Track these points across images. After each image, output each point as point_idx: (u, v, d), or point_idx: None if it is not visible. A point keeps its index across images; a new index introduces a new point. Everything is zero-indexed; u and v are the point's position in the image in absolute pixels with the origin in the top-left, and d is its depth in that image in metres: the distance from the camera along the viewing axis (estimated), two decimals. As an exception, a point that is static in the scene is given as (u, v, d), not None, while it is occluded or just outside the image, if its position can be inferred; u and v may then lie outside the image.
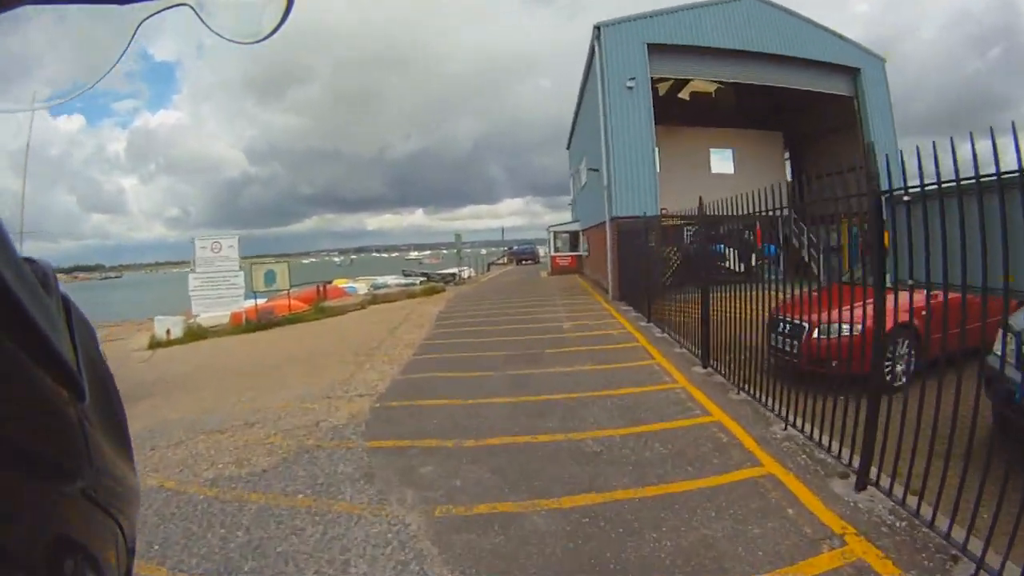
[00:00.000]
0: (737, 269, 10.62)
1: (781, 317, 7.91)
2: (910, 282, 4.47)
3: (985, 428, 4.65)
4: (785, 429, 6.38)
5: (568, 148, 40.22)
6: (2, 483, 0.37)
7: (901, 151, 4.47)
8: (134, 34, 0.63)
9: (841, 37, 22.27)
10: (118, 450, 0.55)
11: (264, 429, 7.85)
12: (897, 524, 4.40)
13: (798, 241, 20.65)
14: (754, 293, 7.55)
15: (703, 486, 5.29)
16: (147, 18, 0.63)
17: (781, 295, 6.93)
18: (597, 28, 19.98)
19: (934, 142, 3.79)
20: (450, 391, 8.85)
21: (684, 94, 28.75)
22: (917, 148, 4.15)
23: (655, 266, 13.22)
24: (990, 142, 3.46)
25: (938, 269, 4.04)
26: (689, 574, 3.97)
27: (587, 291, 23.07)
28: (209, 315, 20.32)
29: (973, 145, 3.59)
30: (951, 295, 3.96)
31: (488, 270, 48.30)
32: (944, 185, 3.88)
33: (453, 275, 35.62)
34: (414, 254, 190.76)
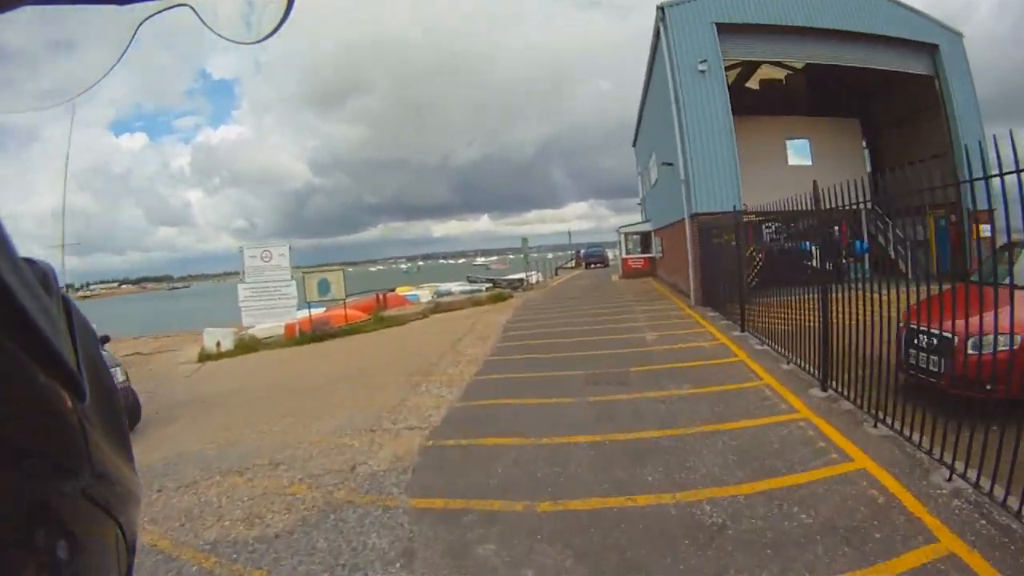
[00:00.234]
0: (824, 268, 9.47)
1: (919, 327, 6.36)
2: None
3: None
4: (949, 480, 4.85)
5: (634, 146, 38.21)
6: (2, 483, 0.37)
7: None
8: (134, 34, 0.64)
9: (914, 11, 19.84)
10: (118, 450, 0.55)
11: (289, 473, 6.48)
12: None
13: (883, 237, 18.66)
14: (852, 294, 6.80)
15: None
16: (147, 18, 0.63)
17: (885, 296, 6.07)
18: (661, 9, 18.19)
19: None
20: (519, 424, 7.20)
21: (752, 83, 26.65)
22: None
23: (743, 267, 11.83)
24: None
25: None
26: None
27: (665, 295, 21.21)
28: (263, 326, 19.62)
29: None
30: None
31: (556, 274, 46.71)
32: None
33: (521, 280, 34.12)
34: (481, 260, 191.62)
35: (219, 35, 0.64)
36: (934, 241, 15.47)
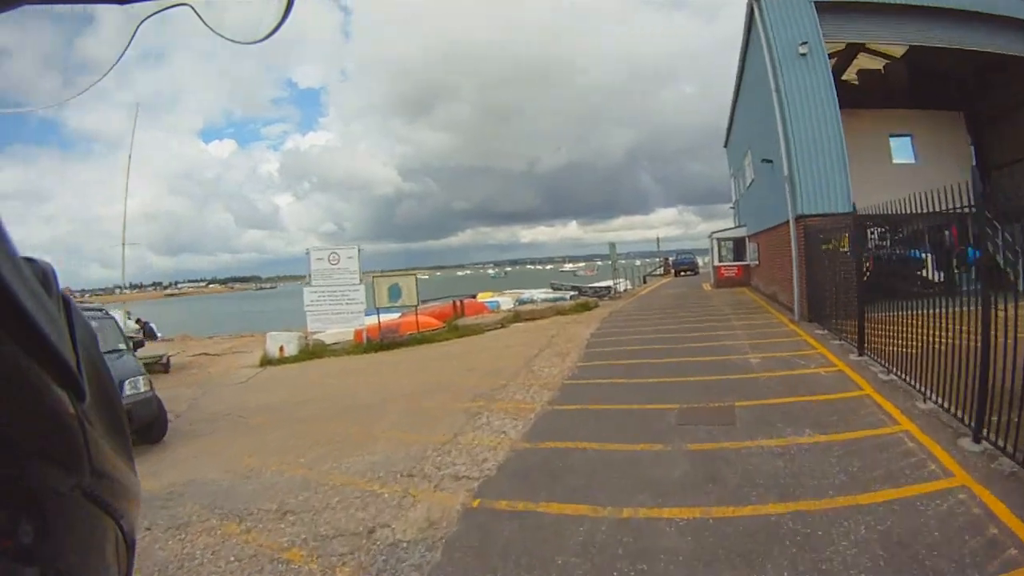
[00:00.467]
0: (935, 279, 9.15)
1: None
2: None
3: None
4: None
5: (725, 147, 35.48)
6: (2, 482, 0.38)
7: None
8: (134, 33, 0.64)
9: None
10: (118, 450, 0.55)
11: (294, 528, 5.18)
12: None
13: (991, 244, 15.96)
14: (965, 310, 5.93)
15: None
16: (147, 18, 0.64)
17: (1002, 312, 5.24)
18: (754, -13, 16.23)
19: None
20: (594, 484, 5.48)
21: (849, 75, 24.01)
22: None
23: (860, 277, 10.31)
24: None
25: None
26: None
27: (763, 308, 18.89)
28: (332, 331, 18.73)
29: None
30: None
31: (644, 282, 44.03)
32: None
33: (607, 288, 31.60)
34: (568, 266, 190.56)
35: (219, 35, 0.64)
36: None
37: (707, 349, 11.68)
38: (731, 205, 35.54)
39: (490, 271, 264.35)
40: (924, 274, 9.39)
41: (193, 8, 0.63)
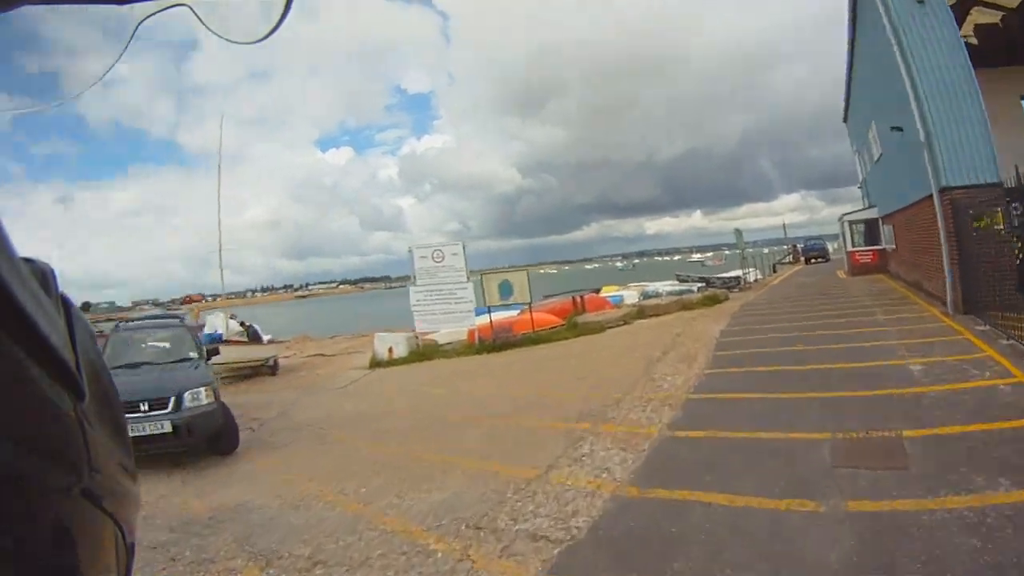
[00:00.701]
0: None
1: None
2: None
3: None
4: None
5: (845, 121, 31.49)
6: (2, 483, 0.37)
7: None
8: (133, 34, 0.64)
9: None
10: (118, 450, 0.55)
11: None
12: None
13: None
14: None
15: None
16: (146, 18, 0.64)
17: None
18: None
19: None
20: (719, 569, 3.73)
21: (966, 32, 20.35)
22: None
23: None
24: None
25: None
26: None
27: (908, 299, 16.13)
28: (445, 331, 17.69)
29: None
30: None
31: (774, 271, 40.69)
32: None
33: (736, 279, 28.97)
34: (696, 256, 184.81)
35: (217, 35, 0.64)
36: None
37: (855, 352, 9.49)
38: (859, 185, 31.66)
39: (618, 264, 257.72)
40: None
41: (192, 8, 0.63)
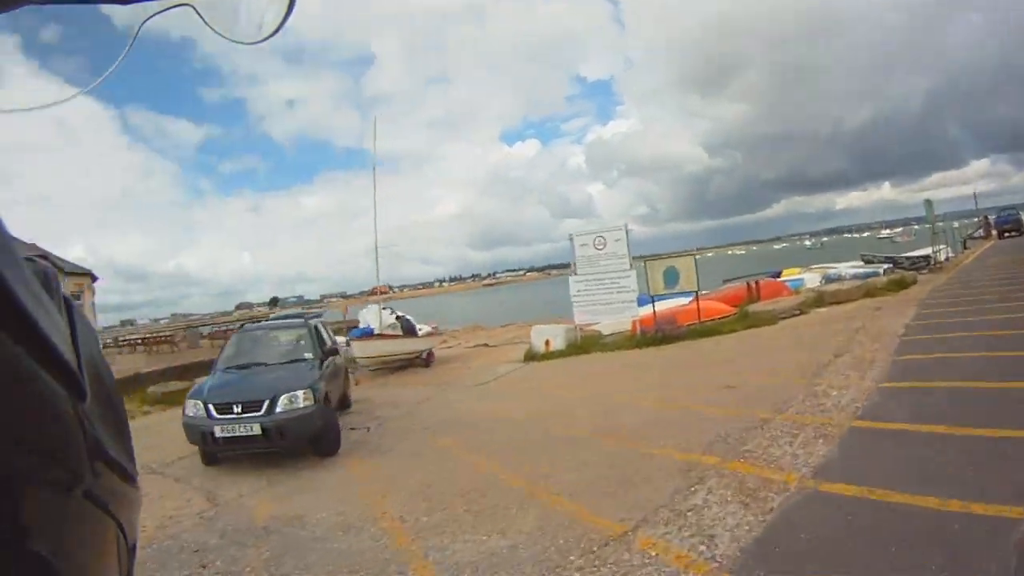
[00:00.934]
0: None
1: None
2: None
3: None
4: None
5: None
6: (3, 484, 0.37)
7: None
8: (136, 33, 0.63)
9: None
10: (119, 451, 0.54)
11: None
12: None
13: None
14: None
15: None
16: (149, 18, 0.63)
17: None
18: None
19: None
20: None
21: None
22: None
23: None
24: None
25: None
26: None
27: None
28: (608, 321, 16.38)
29: None
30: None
31: (965, 247, 35.83)
32: None
33: (925, 259, 25.13)
34: (885, 232, 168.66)
35: (221, 35, 0.64)
36: None
37: None
38: None
39: (806, 243, 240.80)
40: None
41: (195, 8, 0.62)
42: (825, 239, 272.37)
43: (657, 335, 14.43)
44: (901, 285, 17.80)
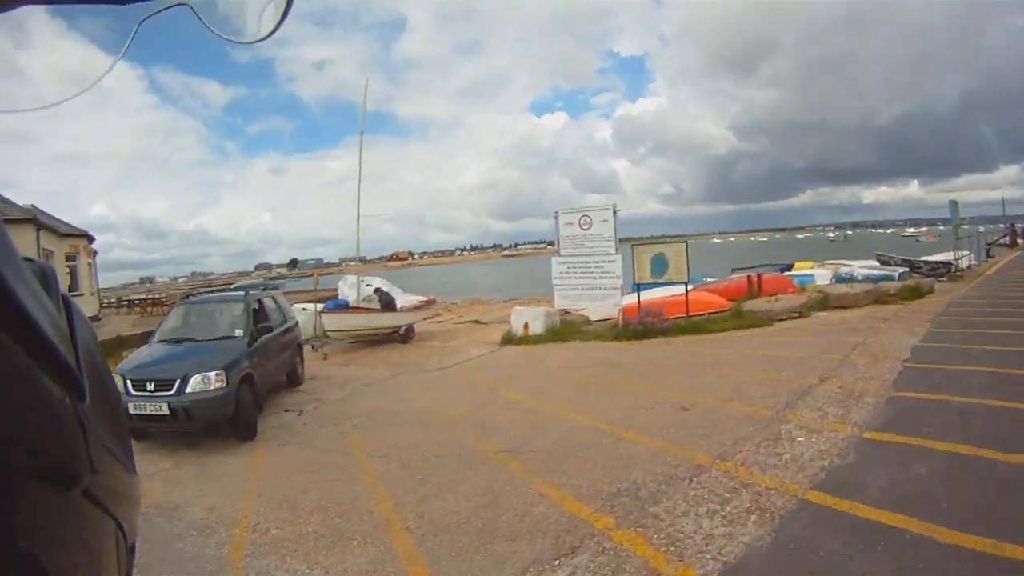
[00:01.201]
0: None
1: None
2: None
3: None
4: None
5: None
6: (2, 483, 0.37)
7: None
8: (134, 33, 0.63)
9: None
10: (118, 450, 0.54)
11: None
12: None
13: None
14: None
15: None
16: (147, 18, 0.63)
17: None
18: None
19: None
20: None
21: None
22: None
23: None
24: None
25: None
26: None
27: None
28: (598, 305, 15.23)
29: None
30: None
31: (989, 255, 33.48)
32: None
33: (946, 265, 23.16)
34: (910, 230, 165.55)
35: (218, 35, 0.64)
36: None
37: None
38: None
39: (829, 235, 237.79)
40: None
41: (192, 8, 0.62)
42: (849, 232, 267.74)
43: (639, 327, 13.22)
44: (916, 293, 16.23)
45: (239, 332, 8.76)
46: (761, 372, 8.68)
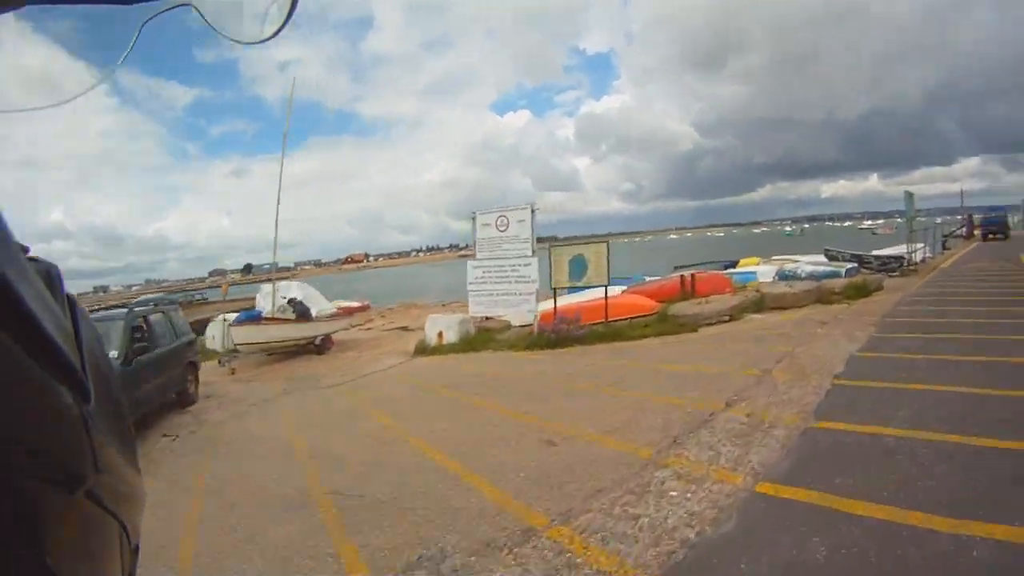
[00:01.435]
0: None
1: None
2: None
3: None
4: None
5: None
6: (6, 484, 0.37)
7: None
8: (137, 34, 0.63)
9: None
10: (122, 450, 0.54)
11: None
12: None
13: None
14: None
15: None
16: (150, 18, 0.62)
17: None
18: None
19: None
20: None
21: None
22: None
23: None
24: None
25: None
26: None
27: None
28: (514, 312, 14.19)
29: None
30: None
31: (945, 247, 33.30)
32: None
33: (898, 259, 22.28)
34: (867, 223, 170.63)
35: (222, 35, 0.63)
36: None
37: None
38: None
39: (786, 228, 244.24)
40: None
41: (196, 9, 0.62)
42: (806, 226, 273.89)
43: (558, 334, 12.30)
44: (862, 292, 15.25)
45: (114, 352, 8.47)
46: (663, 392, 7.67)
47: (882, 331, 10.29)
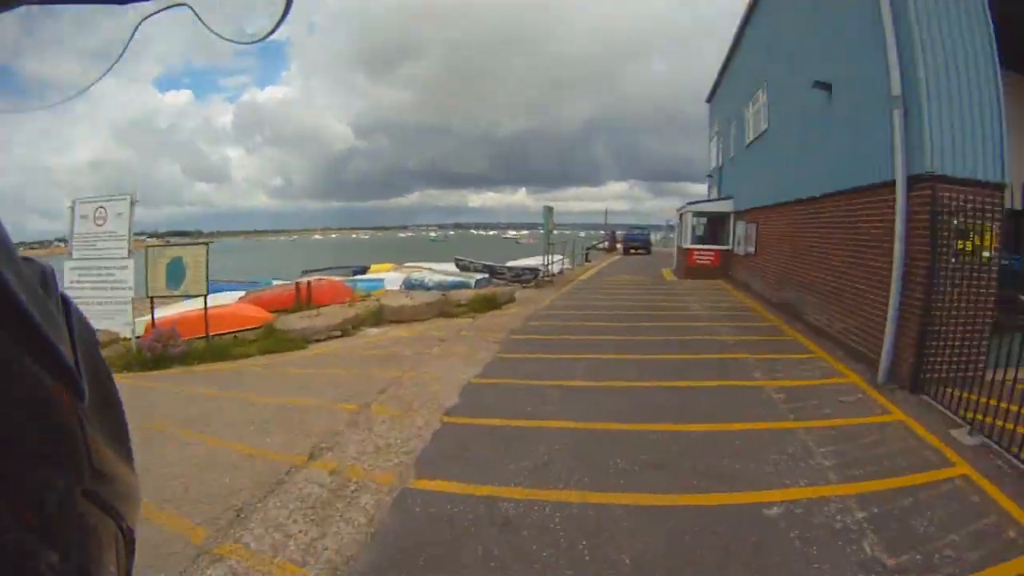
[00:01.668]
0: None
1: None
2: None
3: None
4: None
5: (710, 100, 28.73)
6: (1, 484, 0.37)
7: None
8: (133, 34, 0.64)
9: None
10: (118, 450, 0.54)
11: None
12: None
13: None
14: None
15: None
16: (146, 18, 0.64)
17: None
18: None
19: None
20: None
21: None
22: None
23: None
24: None
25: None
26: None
27: (781, 331, 11.57)
28: (112, 323, 11.82)
29: None
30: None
31: (587, 260, 36.67)
32: None
33: (534, 271, 22.80)
34: (512, 233, 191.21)
35: (218, 35, 0.64)
36: None
37: (729, 447, 5.60)
38: (709, 173, 27.96)
39: (431, 234, 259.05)
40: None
41: (192, 8, 0.62)
42: (451, 233, 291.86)
43: (154, 353, 10.87)
44: (491, 304, 15.25)
45: None
46: (244, 436, 6.58)
47: (507, 351, 10.11)
